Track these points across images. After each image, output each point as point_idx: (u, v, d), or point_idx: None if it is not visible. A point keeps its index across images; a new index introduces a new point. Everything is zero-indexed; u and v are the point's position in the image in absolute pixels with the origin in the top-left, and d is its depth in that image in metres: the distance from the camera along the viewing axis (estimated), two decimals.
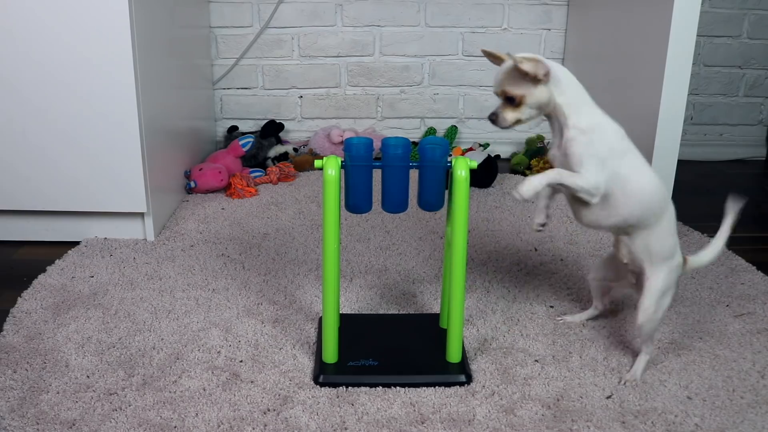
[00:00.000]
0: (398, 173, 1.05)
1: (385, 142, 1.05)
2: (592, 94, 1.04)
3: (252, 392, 1.06)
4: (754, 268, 1.50)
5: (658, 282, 1.09)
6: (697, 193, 2.04)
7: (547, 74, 0.99)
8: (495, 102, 1.03)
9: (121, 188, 1.55)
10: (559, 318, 1.27)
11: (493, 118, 1.03)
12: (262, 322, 1.26)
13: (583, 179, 1.01)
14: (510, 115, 1.02)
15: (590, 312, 1.27)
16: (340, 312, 1.23)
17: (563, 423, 1.00)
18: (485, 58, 1.05)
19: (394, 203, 1.07)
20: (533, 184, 1.01)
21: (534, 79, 0.99)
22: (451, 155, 1.06)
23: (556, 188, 1.09)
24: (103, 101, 1.48)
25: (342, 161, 1.04)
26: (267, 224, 1.71)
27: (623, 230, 1.10)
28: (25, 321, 1.25)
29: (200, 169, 1.91)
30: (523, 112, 1.02)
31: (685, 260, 1.14)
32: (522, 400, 1.05)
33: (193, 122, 2.04)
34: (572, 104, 1.02)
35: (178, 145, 1.86)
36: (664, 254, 1.09)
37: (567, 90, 1.02)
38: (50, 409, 1.02)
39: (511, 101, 1.02)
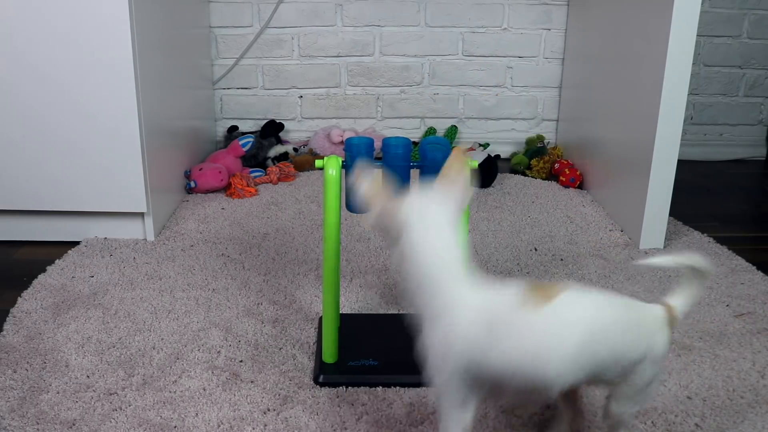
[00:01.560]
0: (399, 173, 1.05)
1: (386, 142, 1.05)
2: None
3: (252, 392, 1.06)
4: (754, 268, 1.50)
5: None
6: (697, 193, 2.04)
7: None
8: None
9: (121, 188, 1.55)
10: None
11: None
12: (262, 322, 1.26)
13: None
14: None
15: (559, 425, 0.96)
16: (340, 312, 1.23)
17: (563, 423, 1.00)
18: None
19: None
20: None
21: None
22: None
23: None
24: (103, 101, 1.48)
25: (343, 161, 1.04)
26: (267, 224, 1.71)
27: None
28: (25, 321, 1.25)
29: (200, 169, 1.91)
30: None
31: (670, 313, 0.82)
32: None
33: (193, 122, 2.04)
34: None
35: (178, 145, 1.86)
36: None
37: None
38: (50, 409, 1.02)
39: None
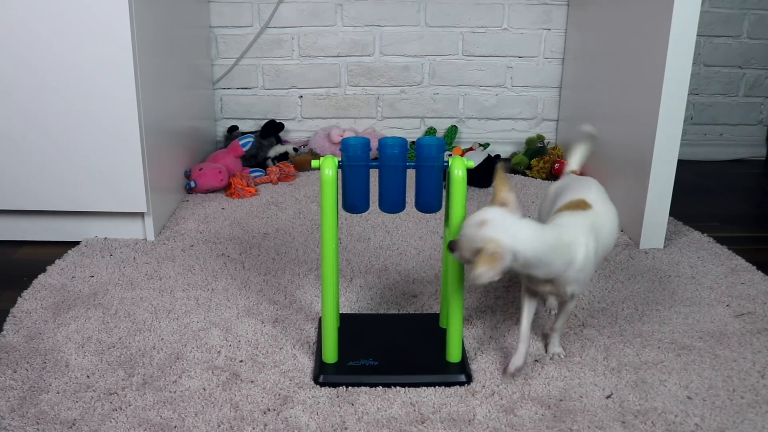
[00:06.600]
0: (395, 173, 1.05)
1: (382, 141, 1.05)
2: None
3: (252, 392, 1.06)
4: (754, 268, 1.50)
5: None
6: (697, 193, 2.04)
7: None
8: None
9: (121, 188, 1.55)
10: None
11: None
12: (262, 322, 1.26)
13: None
14: None
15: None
16: (340, 312, 1.23)
17: (563, 423, 1.00)
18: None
19: (391, 203, 1.07)
20: None
21: None
22: (450, 154, 1.06)
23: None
24: (103, 101, 1.48)
25: (339, 161, 1.04)
26: (267, 224, 1.71)
27: None
28: (25, 321, 1.25)
29: (200, 169, 1.91)
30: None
31: None
32: (522, 400, 1.05)
33: (193, 122, 2.04)
34: None
35: (178, 145, 1.86)
36: None
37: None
38: (50, 409, 1.02)
39: None
